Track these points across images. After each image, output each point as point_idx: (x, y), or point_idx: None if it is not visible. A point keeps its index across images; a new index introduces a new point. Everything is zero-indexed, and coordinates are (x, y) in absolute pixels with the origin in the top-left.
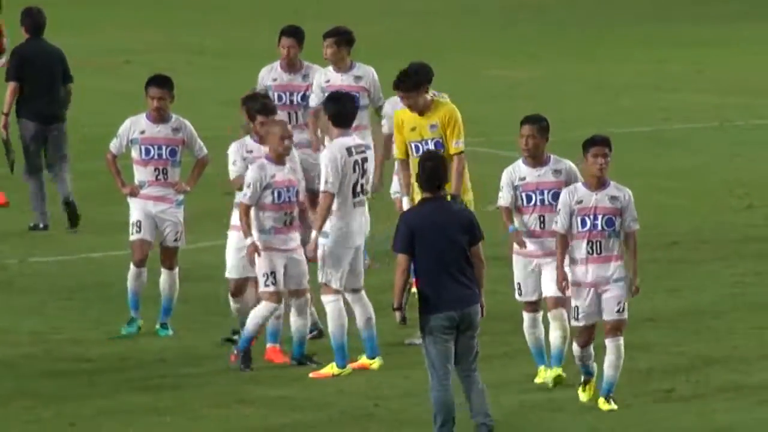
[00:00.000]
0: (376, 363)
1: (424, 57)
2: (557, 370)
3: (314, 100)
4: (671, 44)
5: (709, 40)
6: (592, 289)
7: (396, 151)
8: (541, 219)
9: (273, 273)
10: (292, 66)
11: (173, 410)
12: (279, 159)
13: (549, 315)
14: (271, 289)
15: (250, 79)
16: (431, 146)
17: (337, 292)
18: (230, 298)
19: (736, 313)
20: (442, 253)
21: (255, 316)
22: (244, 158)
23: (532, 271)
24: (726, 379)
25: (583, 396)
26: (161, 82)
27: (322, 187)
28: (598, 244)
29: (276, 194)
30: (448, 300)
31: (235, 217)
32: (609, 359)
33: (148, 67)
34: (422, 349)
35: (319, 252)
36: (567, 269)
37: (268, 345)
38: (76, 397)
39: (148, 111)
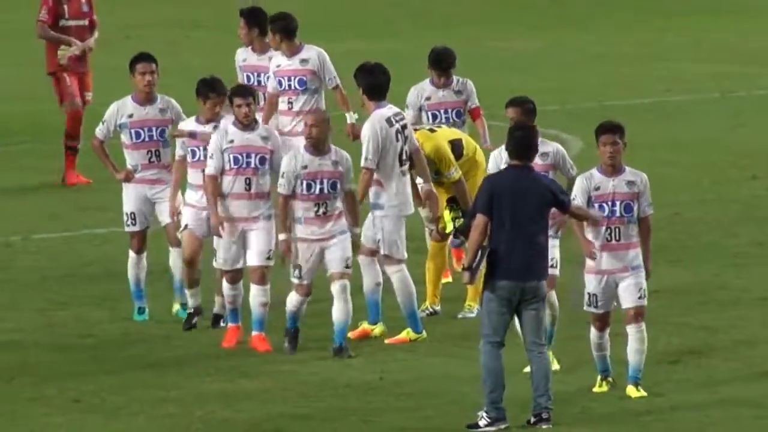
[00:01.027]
0: (378, 329)
1: (427, 28)
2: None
3: (270, 86)
4: (670, 13)
5: (708, 8)
6: (610, 277)
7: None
8: None
9: (299, 267)
10: (256, 46)
11: (177, 385)
12: (314, 149)
13: None
14: (296, 282)
15: None
16: (431, 175)
17: (399, 261)
18: (226, 285)
19: (740, 283)
20: (515, 220)
21: (288, 310)
22: (224, 150)
23: None
24: (731, 351)
25: (598, 389)
26: (149, 58)
27: (362, 163)
28: (617, 230)
29: (305, 185)
30: (512, 270)
31: (221, 208)
32: (633, 346)
33: (148, 43)
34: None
35: (377, 226)
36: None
37: (254, 333)
38: (80, 373)
39: (133, 93)
